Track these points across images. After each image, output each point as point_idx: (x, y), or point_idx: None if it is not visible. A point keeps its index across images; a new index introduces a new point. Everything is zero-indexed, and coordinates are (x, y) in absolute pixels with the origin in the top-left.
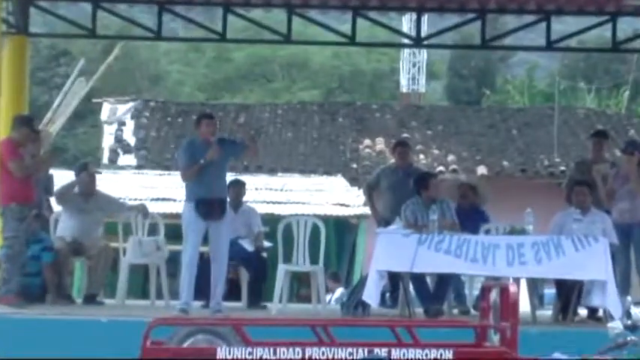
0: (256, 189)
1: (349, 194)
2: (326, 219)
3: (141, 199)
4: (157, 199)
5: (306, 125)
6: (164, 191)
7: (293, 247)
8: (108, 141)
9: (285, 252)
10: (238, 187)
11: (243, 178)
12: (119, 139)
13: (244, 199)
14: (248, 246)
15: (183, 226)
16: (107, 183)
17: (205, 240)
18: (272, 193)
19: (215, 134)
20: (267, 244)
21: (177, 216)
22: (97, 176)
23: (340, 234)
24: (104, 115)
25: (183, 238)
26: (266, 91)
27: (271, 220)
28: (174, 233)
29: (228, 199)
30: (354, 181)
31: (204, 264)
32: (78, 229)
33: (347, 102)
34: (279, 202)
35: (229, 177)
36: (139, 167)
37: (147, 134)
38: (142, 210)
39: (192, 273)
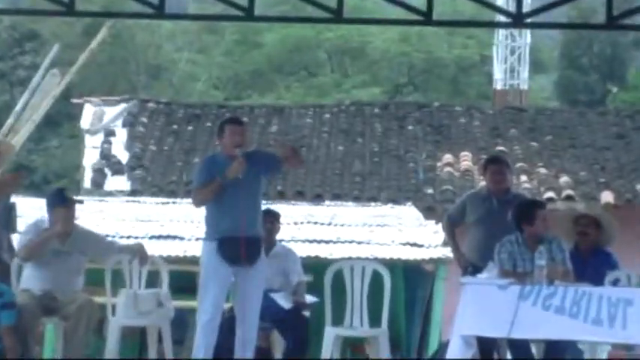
0: (295, 223)
1: (423, 230)
2: (391, 264)
3: (137, 238)
4: (159, 237)
5: (363, 135)
6: (169, 226)
7: (346, 304)
8: (91, 157)
9: (334, 310)
10: (270, 220)
11: (277, 207)
12: (106, 155)
13: (278, 236)
14: (284, 302)
15: (201, 273)
16: (90, 215)
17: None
18: (317, 229)
19: (243, 146)
20: (309, 298)
21: (185, 260)
22: (77, 207)
23: (411, 285)
24: (86, 121)
25: (200, 289)
26: (308, 88)
27: (316, 265)
28: (182, 284)
29: (262, 238)
30: (429, 211)
31: (225, 326)
32: (50, 279)
33: (420, 103)
34: (326, 241)
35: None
36: (133, 193)
37: (145, 148)
38: (139, 252)
39: (210, 339)
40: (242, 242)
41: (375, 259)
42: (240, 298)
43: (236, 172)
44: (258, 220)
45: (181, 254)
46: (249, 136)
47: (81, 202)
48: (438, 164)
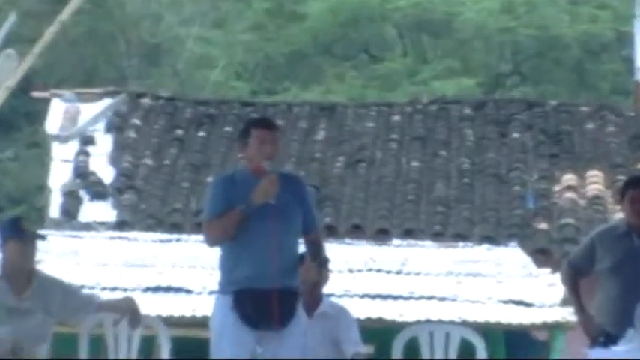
0: (350, 270)
1: (532, 282)
2: (487, 329)
3: (126, 290)
4: (157, 289)
5: (448, 146)
6: (170, 274)
7: None
8: (61, 175)
9: None
10: (315, 266)
11: (326, 248)
12: (83, 172)
13: (326, 289)
14: None
15: (212, 339)
16: (59, 257)
17: None
18: (381, 279)
19: (274, 157)
20: None
21: (193, 322)
22: (40, 245)
23: (515, 357)
24: (54, 123)
25: (212, 355)
26: (369, 78)
27: (380, 331)
28: (189, 354)
29: (299, 290)
30: (542, 255)
31: None
32: (2, 347)
33: (529, 101)
34: (394, 297)
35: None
36: (121, 226)
37: (137, 162)
38: (128, 310)
39: None
40: (270, 297)
41: (464, 323)
42: None
43: (266, 196)
44: (294, 266)
45: (188, 313)
46: (282, 145)
47: (43, 237)
48: (556, 188)
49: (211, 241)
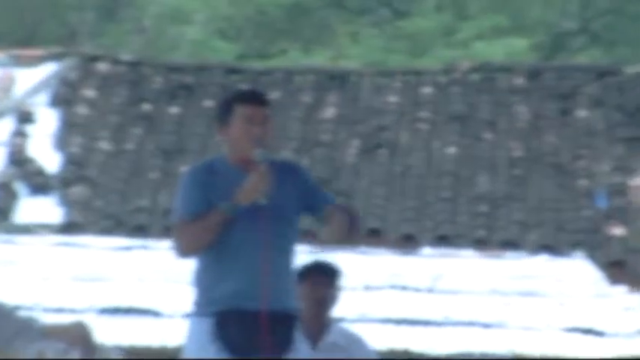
0: (367, 288)
1: (605, 304)
2: None
3: (75, 311)
4: (116, 312)
5: (493, 127)
6: (133, 291)
7: None
8: None
9: None
10: (322, 282)
11: (335, 258)
12: (20, 158)
13: (337, 312)
14: None
15: None
16: None
17: None
18: (406, 299)
19: (265, 141)
20: None
21: (163, 352)
22: None
23: None
24: None
25: None
26: (392, 37)
27: None
28: None
29: (297, 313)
30: (617, 269)
31: None
32: None
33: (601, 67)
34: (424, 322)
35: (301, 256)
36: (69, 229)
37: (90, 144)
38: (78, 337)
39: None
40: (260, 320)
41: (516, 357)
42: None
43: (254, 194)
44: (290, 284)
45: (156, 343)
46: (276, 126)
47: None
48: (634, 182)
49: (183, 251)
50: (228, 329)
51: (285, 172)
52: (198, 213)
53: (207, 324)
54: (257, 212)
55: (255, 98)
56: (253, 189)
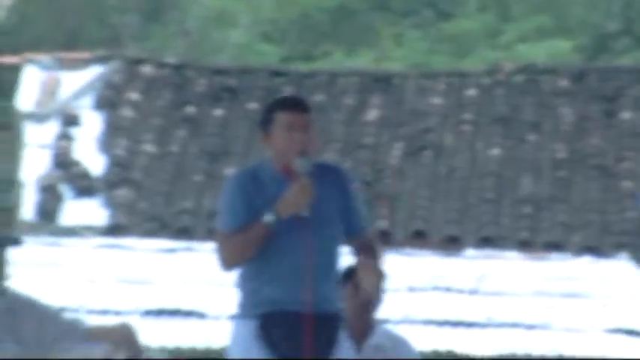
0: (411, 289)
1: None
2: None
3: (120, 313)
4: (161, 313)
5: (537, 128)
6: (178, 293)
7: None
8: (36, 164)
9: None
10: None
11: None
12: (64, 161)
13: (381, 314)
14: None
15: None
16: (35, 269)
17: None
18: (451, 300)
19: (308, 149)
20: None
21: (208, 355)
22: (10, 253)
23: None
24: (27, 97)
25: None
26: (435, 40)
27: None
28: None
29: (341, 314)
30: None
31: None
32: None
33: None
34: (467, 324)
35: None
36: (114, 231)
37: (135, 148)
38: (124, 339)
39: None
40: (305, 321)
41: (560, 359)
42: None
43: (295, 207)
44: (333, 287)
45: (201, 344)
46: (320, 131)
47: (16, 242)
48: None
49: (226, 263)
50: (272, 331)
51: (327, 174)
52: (241, 225)
53: (251, 326)
54: (299, 224)
55: (295, 105)
56: (295, 201)
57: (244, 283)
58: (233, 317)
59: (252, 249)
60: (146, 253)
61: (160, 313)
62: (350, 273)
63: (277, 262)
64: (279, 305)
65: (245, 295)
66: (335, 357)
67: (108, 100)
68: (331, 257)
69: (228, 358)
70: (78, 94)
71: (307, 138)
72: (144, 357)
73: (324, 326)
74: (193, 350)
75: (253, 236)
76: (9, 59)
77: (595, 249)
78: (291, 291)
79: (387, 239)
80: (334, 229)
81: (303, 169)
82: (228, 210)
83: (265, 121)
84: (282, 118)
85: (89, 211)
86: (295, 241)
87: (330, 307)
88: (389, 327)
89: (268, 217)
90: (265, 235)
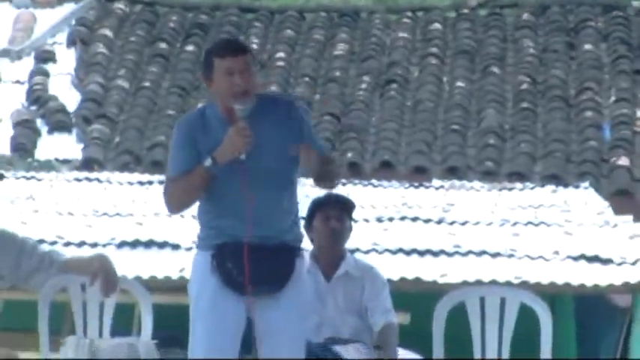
0: (379, 220)
1: (610, 233)
2: (552, 294)
3: (96, 245)
4: (136, 245)
5: (501, 62)
6: (152, 225)
7: None
8: (12, 100)
9: None
10: (335, 214)
11: (347, 191)
12: (40, 97)
13: (350, 244)
14: None
15: (191, 306)
16: (11, 203)
17: (246, 343)
18: (417, 230)
19: (250, 90)
20: (406, 355)
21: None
22: None
23: (588, 330)
24: (1, 34)
25: (191, 335)
26: None
27: (418, 296)
28: (178, 328)
29: (298, 244)
30: (622, 198)
31: None
32: None
33: (605, 1)
34: (434, 253)
35: (306, 190)
36: (88, 165)
37: (109, 83)
38: (100, 271)
39: None
40: (259, 251)
41: (524, 285)
42: (262, 353)
43: (233, 150)
44: (289, 215)
45: (175, 275)
46: (254, 73)
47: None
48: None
49: (171, 207)
50: (225, 262)
51: (273, 106)
52: (185, 170)
53: (207, 257)
54: (237, 167)
55: (232, 49)
56: (230, 147)
57: (200, 215)
58: (190, 249)
59: (194, 193)
60: (121, 186)
61: (135, 244)
62: (318, 205)
63: (223, 200)
64: (232, 237)
65: (202, 227)
66: (292, 286)
67: (81, 37)
68: (282, 184)
69: (190, 288)
70: (52, 31)
71: (247, 79)
72: (120, 286)
73: (279, 255)
74: (168, 279)
75: (193, 181)
76: None
77: (558, 178)
78: (240, 224)
79: (356, 170)
80: (282, 164)
81: (242, 113)
82: (173, 156)
83: (206, 67)
84: (220, 63)
85: (64, 145)
86: (235, 184)
87: (287, 236)
88: (358, 256)
89: (207, 162)
90: (206, 179)
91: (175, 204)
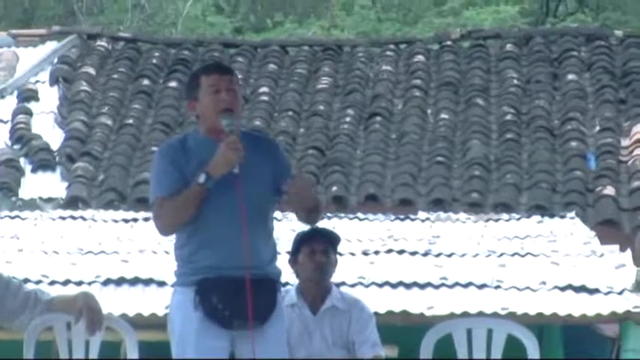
0: (365, 253)
1: (597, 263)
2: (540, 325)
3: (81, 284)
4: (121, 282)
5: (485, 93)
6: (137, 262)
7: None
8: None
9: None
10: (321, 248)
11: (332, 224)
12: (23, 135)
13: (335, 277)
14: None
15: (173, 346)
16: None
17: None
18: (404, 262)
19: (234, 109)
20: None
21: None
22: None
23: (576, 359)
24: None
25: None
26: (384, 7)
27: (404, 328)
28: None
29: (279, 278)
30: (609, 228)
31: None
32: None
33: (588, 31)
34: (421, 285)
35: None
36: (72, 204)
37: (92, 121)
38: (85, 309)
39: None
40: (243, 286)
41: (511, 316)
42: None
43: (226, 164)
44: (269, 248)
45: (161, 312)
46: (239, 95)
47: None
48: (624, 143)
49: (164, 228)
50: (210, 297)
51: (256, 142)
52: (174, 190)
53: (189, 293)
54: (231, 182)
55: (218, 68)
56: (224, 159)
57: (179, 251)
58: (172, 286)
59: (189, 210)
60: (105, 223)
61: (121, 281)
62: (304, 239)
63: (211, 225)
64: (215, 271)
65: (181, 264)
66: (275, 321)
67: (64, 75)
68: (263, 216)
69: (170, 326)
70: (34, 70)
71: (232, 97)
72: (106, 324)
73: (262, 289)
74: (154, 316)
75: (188, 197)
76: None
77: (544, 208)
78: (226, 255)
79: (342, 204)
80: (266, 189)
81: (229, 128)
82: (159, 179)
83: (190, 89)
84: (206, 81)
85: (48, 184)
86: (227, 202)
87: (267, 269)
88: (344, 290)
89: (200, 178)
90: (200, 195)
91: (170, 224)
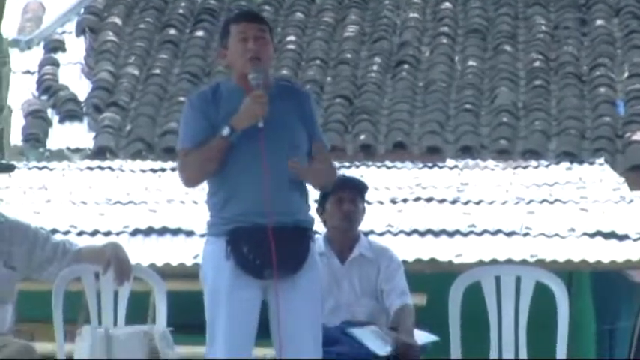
0: (393, 201)
1: (627, 209)
2: (569, 271)
3: (109, 234)
4: (150, 232)
5: (513, 39)
6: (166, 212)
7: (488, 342)
8: (22, 90)
9: (468, 353)
10: (349, 196)
11: (359, 173)
12: (50, 86)
13: (363, 226)
14: (375, 345)
15: (205, 292)
16: (23, 194)
17: (264, 329)
18: (432, 210)
19: (263, 58)
20: (422, 337)
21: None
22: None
23: (605, 306)
24: (10, 24)
25: (208, 323)
26: None
27: (433, 277)
28: (193, 315)
29: (311, 226)
30: (637, 174)
31: None
32: None
33: None
34: (449, 233)
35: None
36: (100, 154)
37: (119, 71)
38: (113, 260)
39: None
40: (271, 235)
41: (540, 263)
42: (282, 336)
43: (250, 118)
44: (301, 198)
45: (189, 261)
46: (269, 44)
47: (9, 168)
48: None
49: (189, 180)
50: (240, 246)
51: (287, 92)
52: (200, 142)
53: (221, 243)
54: (255, 135)
55: (248, 16)
56: (248, 113)
57: (210, 200)
58: (204, 235)
59: (213, 163)
60: (133, 174)
61: (149, 231)
62: (332, 189)
63: (235, 176)
64: (244, 217)
65: (213, 213)
66: (308, 269)
67: (90, 25)
68: (297, 164)
69: (202, 277)
70: (61, 21)
71: (260, 46)
72: (134, 274)
73: (293, 238)
74: (182, 266)
75: (211, 150)
76: None
77: (572, 155)
78: (253, 204)
79: (370, 153)
80: (295, 138)
81: (255, 81)
82: (185, 129)
83: (222, 37)
84: (235, 29)
85: (76, 135)
86: (250, 153)
87: (297, 217)
88: (372, 238)
89: (224, 131)
90: (224, 148)
91: (193, 176)
